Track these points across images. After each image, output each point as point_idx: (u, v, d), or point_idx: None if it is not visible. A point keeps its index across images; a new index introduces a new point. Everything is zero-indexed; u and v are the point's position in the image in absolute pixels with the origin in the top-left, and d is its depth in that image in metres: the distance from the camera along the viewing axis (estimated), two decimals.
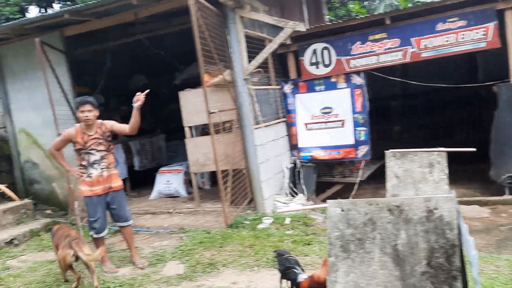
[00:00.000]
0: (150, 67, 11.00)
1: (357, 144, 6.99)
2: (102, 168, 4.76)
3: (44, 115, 7.46)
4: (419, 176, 3.66)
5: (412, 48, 6.45)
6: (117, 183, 4.89)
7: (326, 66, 7.03)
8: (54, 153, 4.86)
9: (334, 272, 2.76)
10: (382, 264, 2.50)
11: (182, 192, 8.06)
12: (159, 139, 10.08)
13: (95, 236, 4.84)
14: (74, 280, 4.22)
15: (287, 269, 3.42)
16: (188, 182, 8.40)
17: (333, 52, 6.96)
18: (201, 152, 6.67)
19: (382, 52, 6.67)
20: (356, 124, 6.98)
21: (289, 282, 3.47)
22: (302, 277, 3.37)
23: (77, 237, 4.30)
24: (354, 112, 6.96)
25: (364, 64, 6.79)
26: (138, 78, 11.19)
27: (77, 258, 4.09)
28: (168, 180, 8.05)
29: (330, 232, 2.83)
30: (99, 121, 4.81)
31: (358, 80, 6.89)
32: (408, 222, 2.41)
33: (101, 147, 4.76)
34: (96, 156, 4.74)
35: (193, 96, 6.61)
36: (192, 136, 6.92)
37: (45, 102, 7.27)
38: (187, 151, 6.79)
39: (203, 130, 7.88)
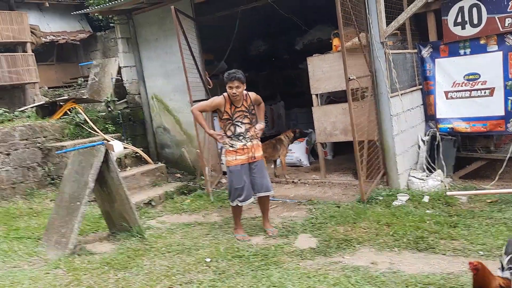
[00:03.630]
0: (269, 32, 10.81)
1: (509, 115, 6.10)
2: (246, 139, 4.76)
3: (174, 82, 7.75)
4: None
5: None
6: (259, 153, 4.87)
7: (474, 26, 6.16)
8: (196, 114, 4.88)
9: None
10: None
11: (305, 161, 7.90)
12: (279, 106, 9.97)
13: (240, 204, 4.84)
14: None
15: None
16: (309, 152, 8.21)
17: (483, 9, 6.06)
18: (329, 121, 6.36)
19: None
20: (508, 93, 6.07)
21: None
22: None
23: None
24: (506, 78, 6.05)
25: None
26: (258, 43, 11.10)
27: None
28: (290, 149, 7.90)
29: None
30: (244, 92, 4.75)
31: None
32: None
33: (246, 120, 4.75)
34: (241, 129, 4.74)
35: (322, 62, 6.27)
36: (318, 104, 6.62)
37: (175, 69, 7.55)
38: (314, 120, 6.53)
39: (328, 98, 7.55)
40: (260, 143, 4.94)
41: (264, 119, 5.10)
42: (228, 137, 4.77)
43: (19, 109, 8.28)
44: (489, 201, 5.22)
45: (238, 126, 4.72)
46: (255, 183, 4.86)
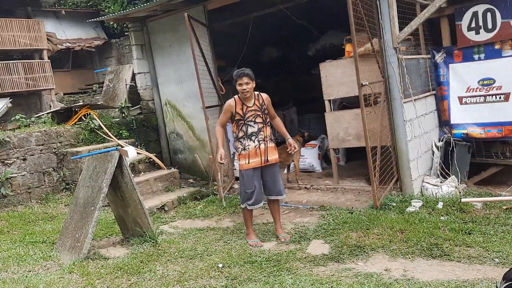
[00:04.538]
0: (282, 38, 10.83)
1: None
2: (259, 141, 4.74)
3: (187, 88, 7.80)
4: None
5: None
6: (273, 156, 4.83)
7: (489, 31, 6.11)
8: (216, 130, 4.90)
9: None
10: None
11: (317, 167, 7.87)
12: (292, 112, 9.98)
13: (249, 207, 4.84)
14: None
15: None
16: (322, 157, 8.18)
17: (498, 14, 6.02)
18: (341, 127, 6.34)
19: None
20: None
21: None
22: None
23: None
24: None
25: None
26: (270, 49, 11.13)
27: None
28: (303, 155, 7.89)
29: None
30: (256, 92, 4.78)
31: None
32: None
33: (259, 119, 4.74)
34: (254, 128, 4.73)
35: (334, 68, 6.26)
36: (331, 110, 6.61)
37: (188, 75, 7.61)
38: (327, 126, 6.51)
39: (341, 104, 7.53)
40: (274, 145, 4.88)
41: (287, 134, 4.97)
42: (241, 138, 4.77)
43: (36, 115, 8.42)
44: (505, 207, 5.14)
45: (250, 125, 4.71)
46: (267, 187, 4.87)
